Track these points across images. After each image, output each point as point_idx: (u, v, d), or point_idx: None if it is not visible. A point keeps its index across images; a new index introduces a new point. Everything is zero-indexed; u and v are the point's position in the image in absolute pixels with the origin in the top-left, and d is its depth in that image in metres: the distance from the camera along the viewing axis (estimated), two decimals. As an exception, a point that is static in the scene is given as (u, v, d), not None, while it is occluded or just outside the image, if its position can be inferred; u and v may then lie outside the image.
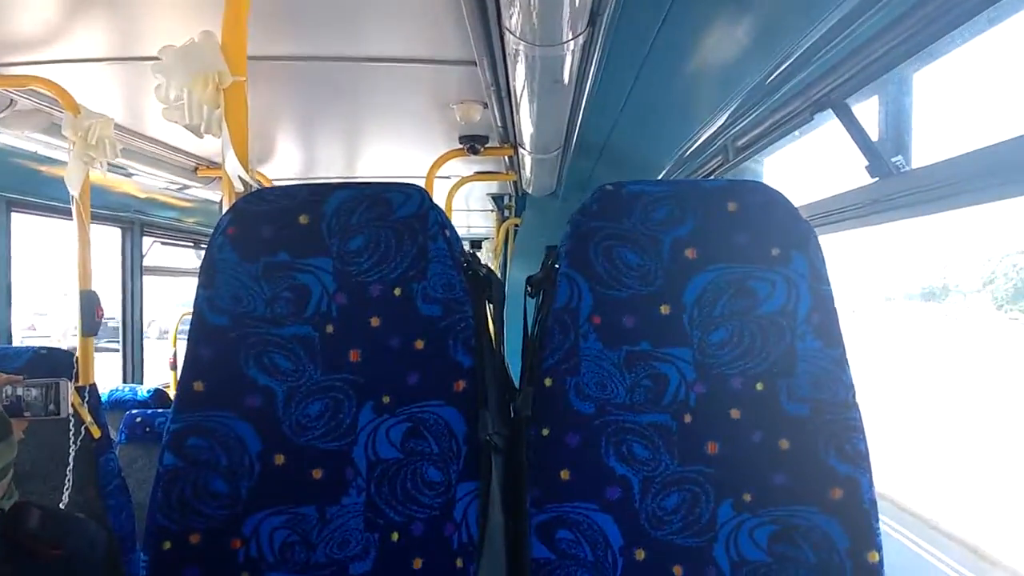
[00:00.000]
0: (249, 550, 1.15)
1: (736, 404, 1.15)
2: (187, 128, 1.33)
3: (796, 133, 2.38)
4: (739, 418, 1.15)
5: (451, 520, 1.16)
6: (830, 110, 2.00)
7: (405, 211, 1.20)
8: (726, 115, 2.44)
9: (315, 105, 3.05)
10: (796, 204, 1.18)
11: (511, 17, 1.71)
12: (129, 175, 3.72)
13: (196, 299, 1.18)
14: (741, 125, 2.57)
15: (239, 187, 1.38)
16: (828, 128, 2.27)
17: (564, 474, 1.15)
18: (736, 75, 2.17)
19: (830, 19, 1.60)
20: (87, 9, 1.99)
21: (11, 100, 2.53)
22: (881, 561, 1.10)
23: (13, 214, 3.31)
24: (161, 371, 5.14)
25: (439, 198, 1.36)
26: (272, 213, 1.19)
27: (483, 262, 1.32)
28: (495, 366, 1.24)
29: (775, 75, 1.98)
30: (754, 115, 2.41)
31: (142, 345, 4.44)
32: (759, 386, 1.15)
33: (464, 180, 4.32)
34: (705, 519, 1.13)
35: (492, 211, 6.26)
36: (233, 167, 1.36)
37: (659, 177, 3.63)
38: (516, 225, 5.49)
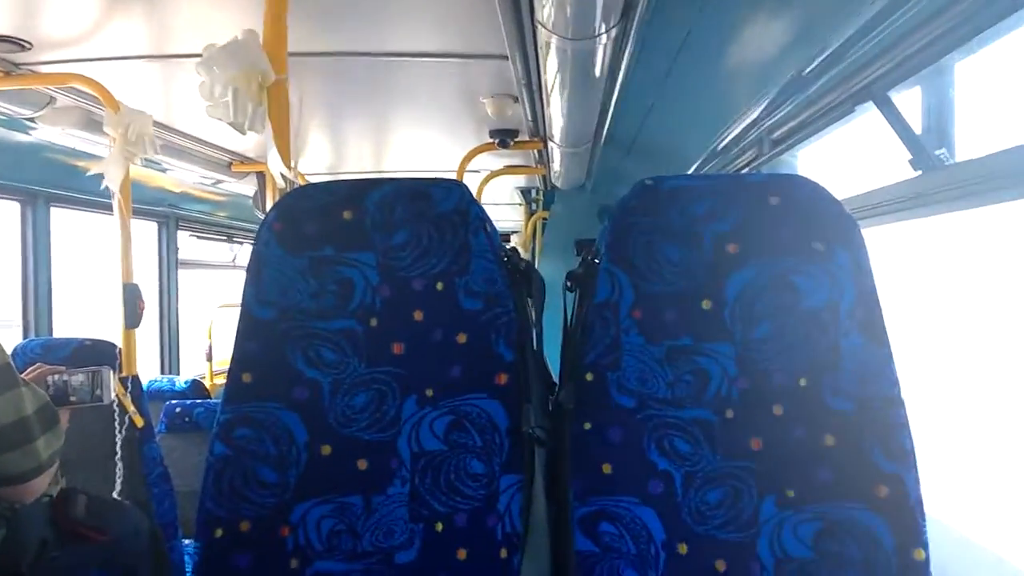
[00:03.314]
0: (298, 538, 1.17)
1: (779, 400, 1.14)
2: (231, 125, 1.35)
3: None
4: (782, 414, 1.14)
5: (494, 512, 1.18)
6: (869, 102, 1.97)
7: (446, 206, 1.21)
8: (761, 107, 2.41)
9: (346, 100, 3.07)
10: (837, 197, 1.17)
11: (543, 10, 1.71)
12: (164, 170, 3.77)
13: (244, 293, 1.20)
14: (777, 117, 2.53)
15: (281, 183, 1.40)
16: (862, 121, 2.24)
17: (606, 468, 1.16)
18: (773, 67, 2.14)
19: (870, 9, 1.58)
20: (125, 7, 2.02)
21: (51, 97, 2.59)
22: (927, 559, 1.09)
23: (53, 209, 3.39)
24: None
25: None
26: (316, 209, 1.21)
27: None
28: (535, 360, 1.25)
29: (813, 66, 1.95)
30: (791, 107, 2.38)
31: (178, 337, 4.51)
32: (802, 382, 1.14)
33: (494, 174, 4.32)
34: (748, 514, 1.13)
35: (520, 204, 6.26)
36: (276, 164, 1.38)
37: (691, 170, 3.60)
38: (544, 219, 5.48)
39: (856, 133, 2.45)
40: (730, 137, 2.88)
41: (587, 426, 1.17)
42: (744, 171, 3.16)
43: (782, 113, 2.47)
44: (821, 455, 1.13)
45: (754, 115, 2.51)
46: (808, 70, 1.98)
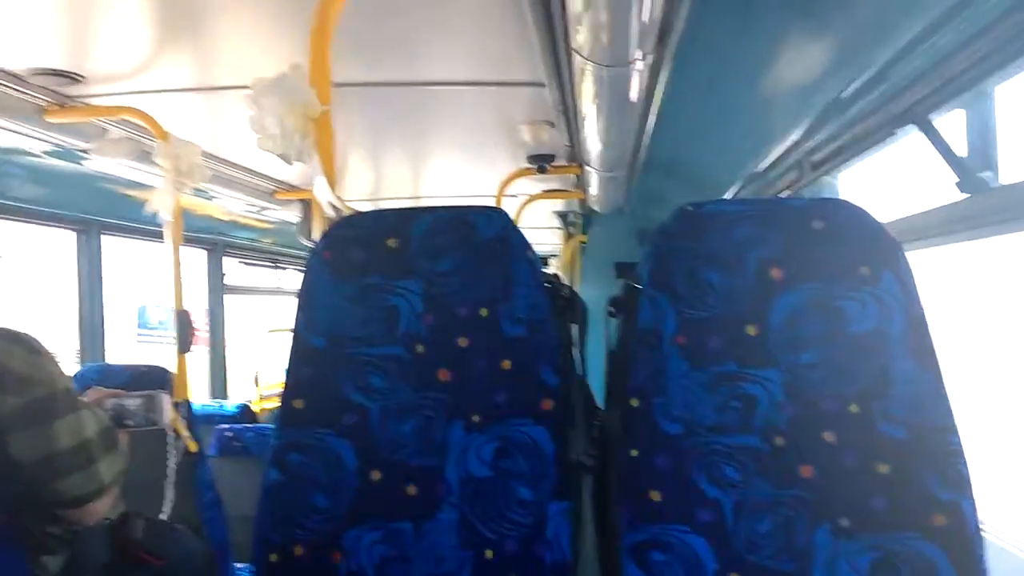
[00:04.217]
0: (350, 564, 1.19)
1: (830, 427, 1.13)
2: (280, 156, 1.39)
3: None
4: (834, 441, 1.12)
5: (543, 539, 1.18)
6: (911, 124, 1.95)
7: (488, 233, 1.23)
8: (801, 130, 2.40)
9: (385, 128, 3.13)
10: (881, 220, 1.16)
11: (578, 37, 1.73)
12: (211, 199, 3.88)
13: (295, 321, 1.23)
14: (817, 140, 2.51)
15: (329, 212, 1.43)
16: (907, 142, 2.21)
17: (654, 495, 1.15)
18: (811, 90, 2.13)
19: (909, 31, 1.57)
20: (174, 42, 2.10)
21: (103, 129, 2.69)
22: None
23: (103, 237, 3.51)
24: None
25: None
26: (363, 237, 1.24)
27: None
28: (579, 386, 1.25)
29: (853, 89, 1.94)
30: (831, 130, 2.36)
31: (226, 362, 4.61)
32: (853, 408, 1.12)
33: (532, 199, 4.34)
34: (801, 544, 1.11)
35: (558, 228, 6.28)
36: (323, 193, 1.42)
37: (729, 194, 3.59)
38: (583, 242, 5.49)
39: (901, 154, 2.42)
40: (770, 160, 2.86)
41: (634, 453, 1.16)
42: (784, 194, 3.14)
43: (822, 136, 2.45)
44: (875, 483, 1.11)
45: (794, 138, 2.50)
46: (848, 93, 1.97)
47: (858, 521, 1.10)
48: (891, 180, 2.64)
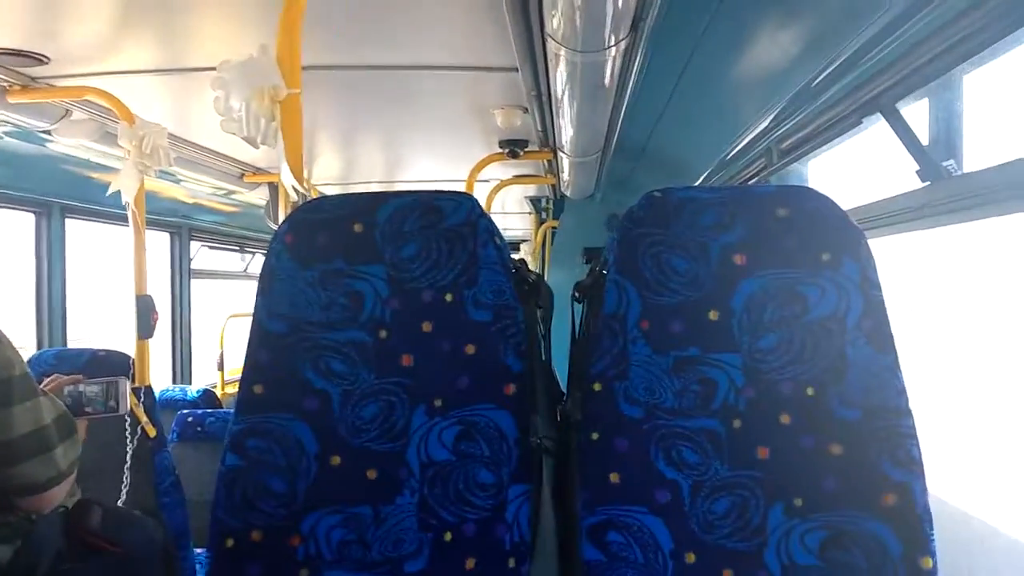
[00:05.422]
0: (308, 548, 1.18)
1: (786, 409, 1.15)
2: (244, 139, 1.37)
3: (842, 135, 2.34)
4: (789, 423, 1.15)
5: (503, 521, 1.19)
6: (878, 113, 1.98)
7: (456, 219, 1.23)
8: (770, 118, 2.42)
9: (357, 112, 3.09)
10: (845, 207, 1.18)
11: (553, 23, 1.72)
12: (178, 181, 3.81)
13: (255, 305, 1.21)
14: (785, 128, 2.54)
15: (293, 196, 1.41)
16: (877, 130, 2.24)
17: (614, 477, 1.16)
18: (781, 78, 2.15)
19: (879, 22, 1.59)
20: (139, 23, 2.05)
21: (67, 110, 2.62)
22: (935, 567, 1.10)
23: (67, 220, 3.43)
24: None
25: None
26: (328, 221, 1.22)
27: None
28: (543, 370, 1.25)
29: (821, 78, 1.96)
30: (799, 118, 2.39)
31: (190, 347, 4.55)
32: (809, 391, 1.15)
33: (503, 184, 4.34)
34: (755, 524, 1.14)
35: (530, 213, 6.29)
36: (288, 177, 1.40)
37: (700, 179, 3.62)
38: (553, 228, 5.51)
39: (870, 142, 2.45)
40: (739, 147, 2.89)
41: (595, 436, 1.18)
42: (753, 181, 3.17)
43: (791, 124, 2.48)
44: (828, 464, 1.13)
45: (763, 125, 2.52)
46: (816, 81, 1.99)
47: (811, 500, 1.13)
48: (863, 168, 2.67)
